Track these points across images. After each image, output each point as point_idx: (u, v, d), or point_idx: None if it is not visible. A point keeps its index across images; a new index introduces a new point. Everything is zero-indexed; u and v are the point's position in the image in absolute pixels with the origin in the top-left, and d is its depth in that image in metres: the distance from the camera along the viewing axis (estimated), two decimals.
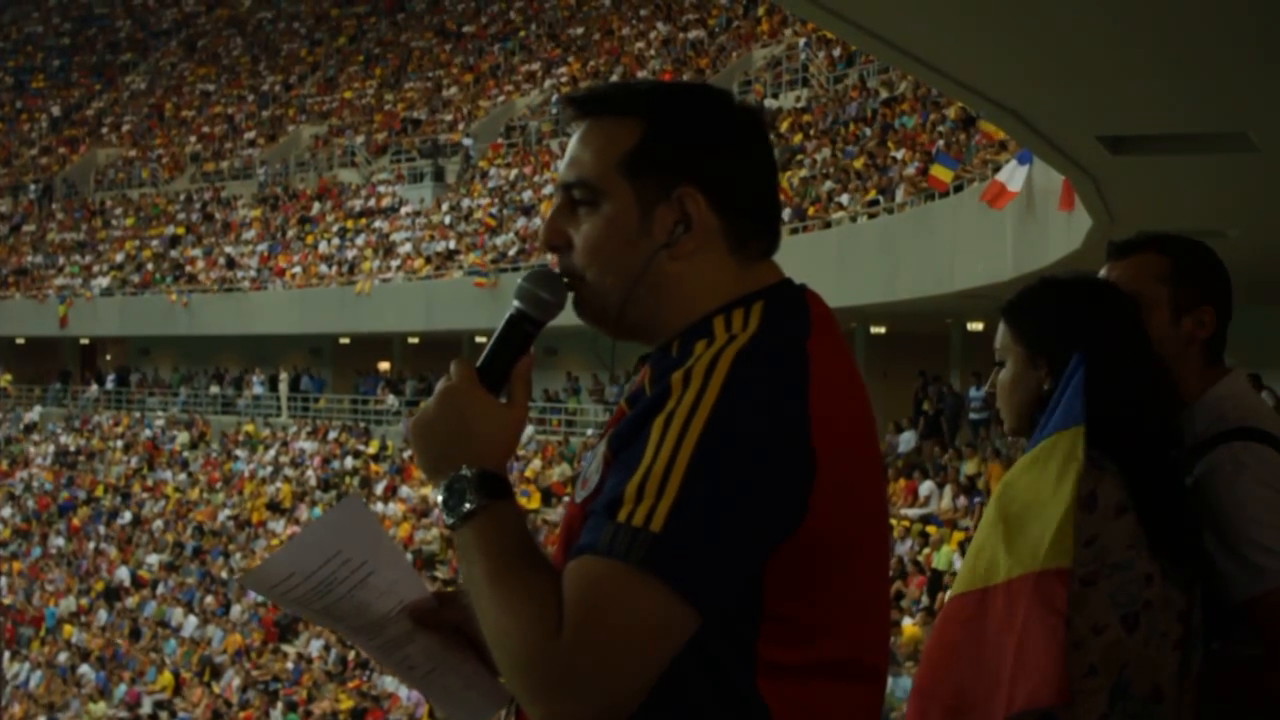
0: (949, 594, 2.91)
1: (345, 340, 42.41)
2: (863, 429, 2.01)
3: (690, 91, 2.13)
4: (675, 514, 1.83)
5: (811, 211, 27.25)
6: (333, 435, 38.05)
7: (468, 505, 1.96)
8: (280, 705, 26.23)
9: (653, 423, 1.90)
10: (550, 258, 2.14)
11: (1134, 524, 2.76)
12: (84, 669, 31.24)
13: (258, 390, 41.98)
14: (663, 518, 1.83)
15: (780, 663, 1.94)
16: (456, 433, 2.02)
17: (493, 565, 1.91)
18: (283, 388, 41.38)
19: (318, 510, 32.11)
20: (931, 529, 21.35)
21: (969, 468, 22.44)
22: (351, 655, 26.34)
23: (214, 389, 43.66)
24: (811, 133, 32.01)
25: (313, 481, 35.56)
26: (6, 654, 33.28)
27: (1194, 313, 3.20)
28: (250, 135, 52.82)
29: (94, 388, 47.12)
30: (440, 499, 1.99)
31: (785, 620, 1.94)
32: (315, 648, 27.55)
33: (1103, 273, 3.27)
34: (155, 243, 47.98)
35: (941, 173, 22.77)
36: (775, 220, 2.13)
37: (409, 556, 27.74)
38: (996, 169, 19.76)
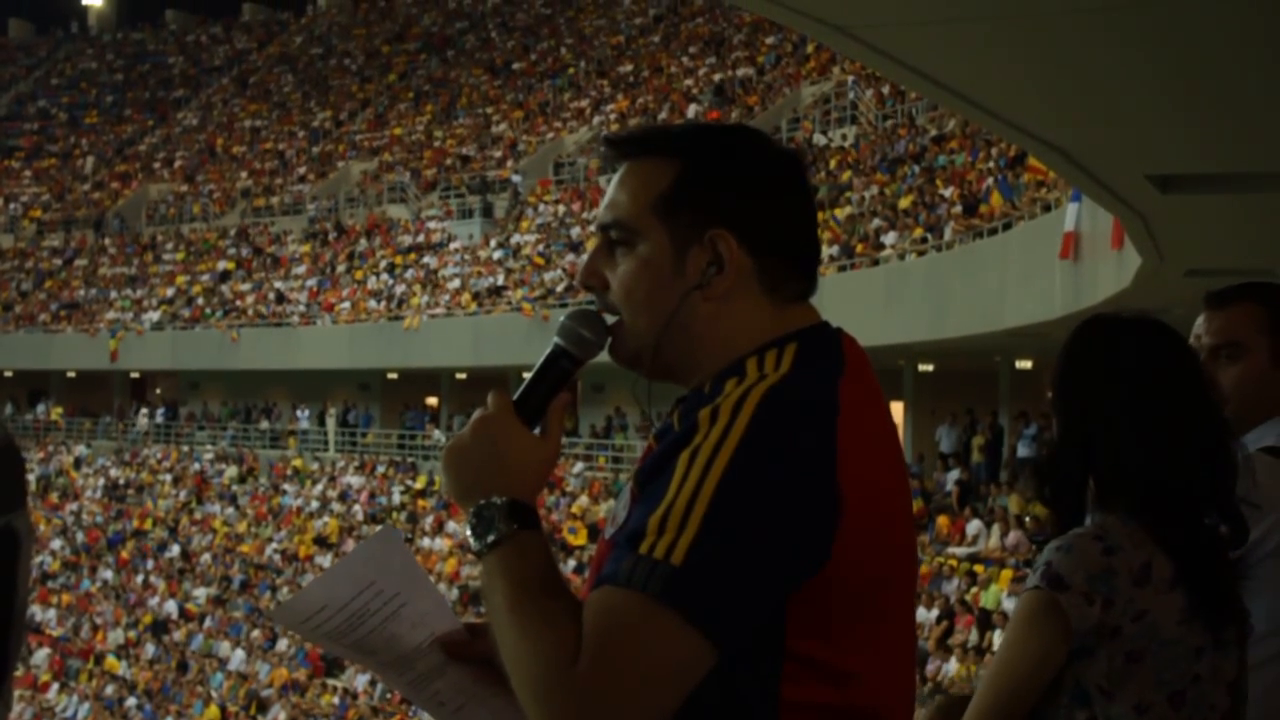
0: None
1: (393, 375, 42.53)
2: (892, 473, 2.00)
3: (727, 132, 2.14)
4: (696, 548, 1.83)
5: (859, 249, 27.23)
6: (380, 470, 38.14)
7: (496, 533, 1.97)
8: None
9: (678, 457, 1.90)
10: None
11: (1184, 597, 2.68)
12: (131, 702, 31.33)
13: (304, 424, 42.11)
14: (683, 551, 1.83)
15: (802, 702, 1.93)
16: (489, 461, 2.04)
17: (515, 593, 1.92)
18: (330, 422, 41.50)
19: None
20: (979, 568, 21.25)
21: (1013, 505, 22.36)
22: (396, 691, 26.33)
23: (263, 423, 43.84)
24: (859, 170, 32.01)
25: (360, 516, 35.64)
26: (55, 685, 33.44)
27: None
28: (300, 171, 53.10)
29: (143, 421, 47.36)
30: (469, 525, 2.01)
31: (807, 660, 1.93)
32: (361, 683, 27.57)
33: (1199, 322, 3.39)
34: (205, 277, 48.23)
35: (997, 200, 22.79)
36: (812, 263, 2.13)
37: (455, 592, 27.81)
38: (1046, 207, 19.73)
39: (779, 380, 1.96)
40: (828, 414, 1.93)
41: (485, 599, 1.97)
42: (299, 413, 42.37)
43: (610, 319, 2.13)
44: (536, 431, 2.09)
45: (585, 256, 2.15)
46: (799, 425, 1.91)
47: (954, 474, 25.57)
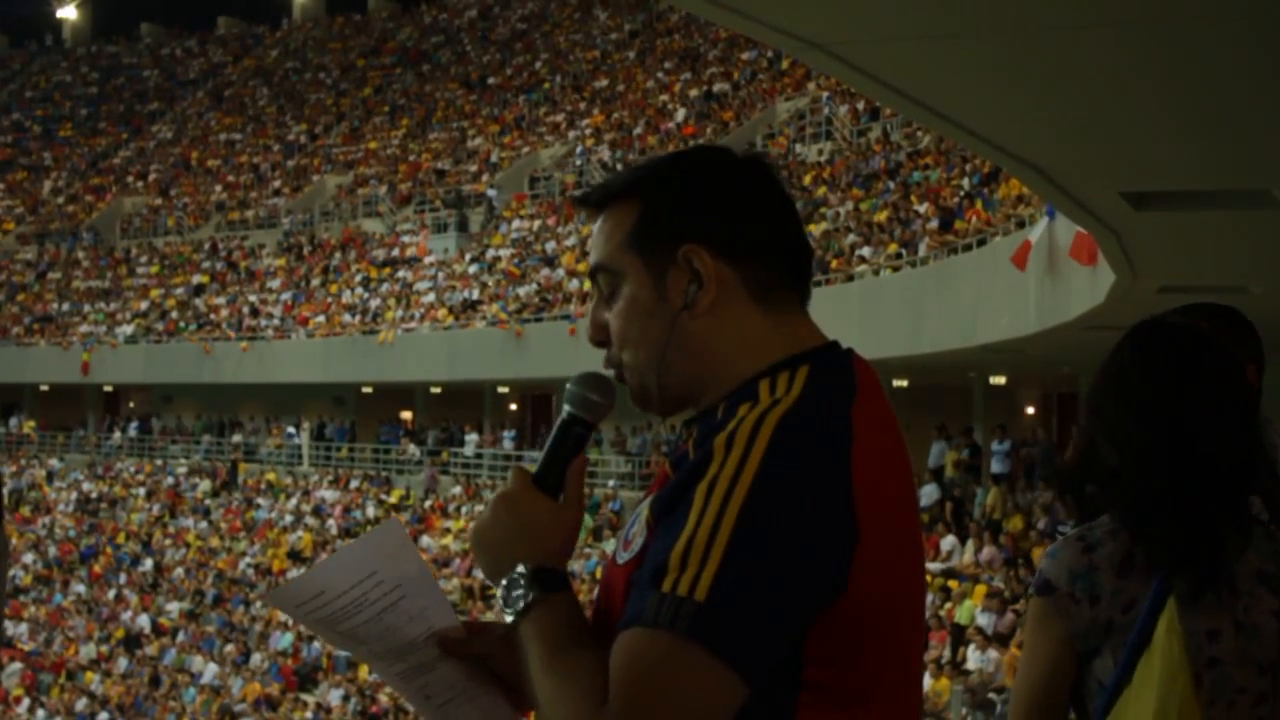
0: None
1: (368, 389, 42.46)
2: (905, 499, 2.00)
3: (683, 156, 2.16)
4: (719, 582, 1.83)
5: (834, 265, 27.26)
6: (354, 484, 38.07)
7: (524, 600, 2.01)
8: None
9: (696, 489, 1.89)
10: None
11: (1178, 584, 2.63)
12: (103, 717, 31.19)
13: (290, 439, 42.04)
14: (706, 586, 1.83)
15: None
16: (512, 534, 2.07)
17: (547, 651, 1.95)
18: (305, 436, 41.41)
19: None
20: (953, 583, 21.28)
21: (989, 498, 22.57)
22: (371, 705, 26.27)
23: (236, 437, 43.73)
24: (834, 185, 32.08)
25: (334, 530, 35.56)
26: (27, 700, 33.28)
27: None
28: (275, 184, 53.03)
29: (116, 435, 47.21)
30: (499, 596, 2.04)
31: (822, 688, 1.92)
32: (335, 697, 27.49)
33: None
34: (179, 291, 48.12)
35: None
36: (799, 265, 2.13)
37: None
38: (1020, 223, 19.79)
39: (792, 405, 1.94)
40: (842, 439, 1.92)
41: (523, 662, 2.00)
42: (288, 430, 42.28)
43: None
44: (560, 499, 2.12)
45: (587, 315, 2.18)
46: (815, 453, 1.91)
47: (928, 489, 25.58)
